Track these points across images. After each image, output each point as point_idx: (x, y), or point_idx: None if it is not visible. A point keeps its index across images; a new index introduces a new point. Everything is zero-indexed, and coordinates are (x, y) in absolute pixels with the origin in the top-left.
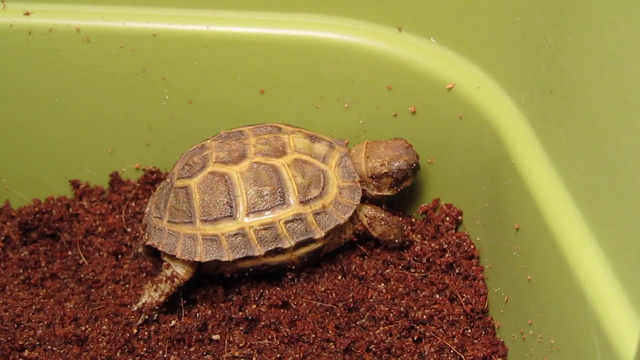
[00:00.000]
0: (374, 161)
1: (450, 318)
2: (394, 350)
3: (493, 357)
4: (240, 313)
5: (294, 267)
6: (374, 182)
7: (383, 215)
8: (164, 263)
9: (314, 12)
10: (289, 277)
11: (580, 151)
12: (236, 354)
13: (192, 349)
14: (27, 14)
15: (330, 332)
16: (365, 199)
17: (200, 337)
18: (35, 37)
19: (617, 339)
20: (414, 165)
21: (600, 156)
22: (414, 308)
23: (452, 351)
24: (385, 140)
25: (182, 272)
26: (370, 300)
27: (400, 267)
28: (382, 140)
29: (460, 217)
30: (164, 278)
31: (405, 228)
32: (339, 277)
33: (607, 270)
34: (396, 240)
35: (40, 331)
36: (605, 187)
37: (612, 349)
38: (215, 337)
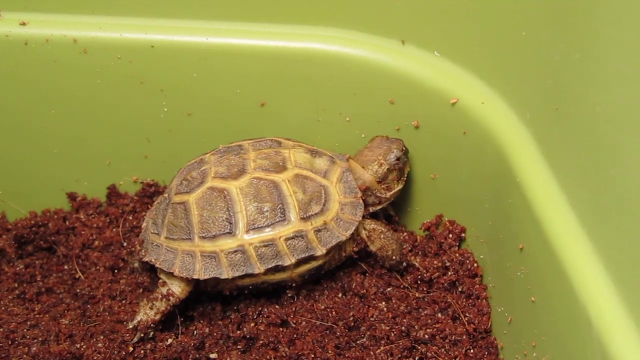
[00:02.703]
0: (372, 166)
1: (453, 338)
2: None
3: None
4: (239, 331)
5: (294, 285)
6: (383, 185)
7: (383, 228)
8: (160, 281)
9: (315, 23)
10: (289, 294)
11: (586, 170)
12: None
13: None
14: (23, 24)
15: (330, 351)
16: (364, 216)
17: (198, 356)
18: (31, 48)
19: None
20: (404, 148)
21: (606, 176)
22: (416, 327)
23: None
24: (364, 146)
25: (178, 290)
26: (371, 319)
27: (401, 286)
28: (362, 149)
29: (463, 234)
30: (160, 296)
31: (405, 246)
32: (340, 295)
33: (613, 294)
34: (394, 257)
35: (34, 348)
36: (612, 208)
37: None
38: (213, 356)
